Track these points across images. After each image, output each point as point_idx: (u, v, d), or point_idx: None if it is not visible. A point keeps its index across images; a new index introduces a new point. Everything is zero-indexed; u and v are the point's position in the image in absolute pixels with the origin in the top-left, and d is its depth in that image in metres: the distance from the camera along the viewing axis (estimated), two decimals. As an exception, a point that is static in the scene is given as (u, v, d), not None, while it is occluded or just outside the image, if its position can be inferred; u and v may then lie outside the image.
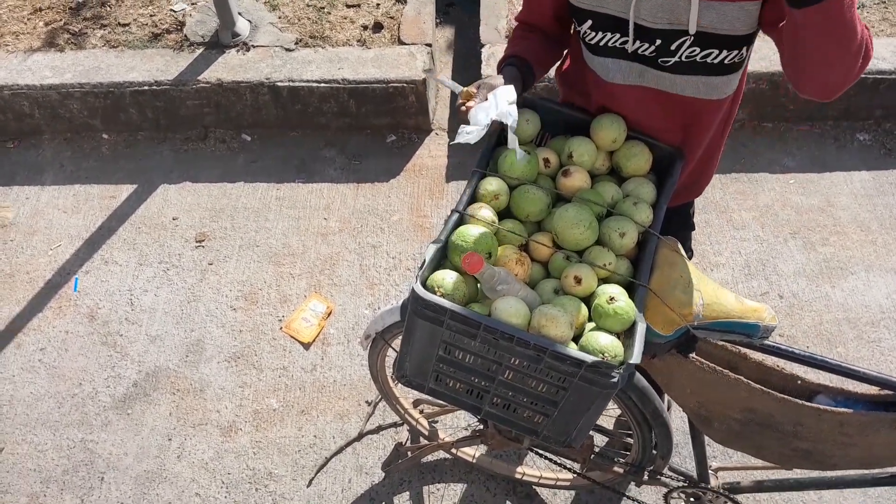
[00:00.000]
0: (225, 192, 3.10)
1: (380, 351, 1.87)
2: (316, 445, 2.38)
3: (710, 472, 1.86)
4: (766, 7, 1.29)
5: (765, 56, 3.01)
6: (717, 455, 2.27)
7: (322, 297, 2.72)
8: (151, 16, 3.44)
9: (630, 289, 1.35)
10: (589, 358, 1.18)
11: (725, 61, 1.37)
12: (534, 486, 2.25)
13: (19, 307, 2.76)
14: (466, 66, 3.53)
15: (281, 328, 2.65)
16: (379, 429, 2.19)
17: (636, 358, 1.20)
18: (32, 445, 2.42)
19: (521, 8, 1.58)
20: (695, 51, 1.35)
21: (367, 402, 2.46)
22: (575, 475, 2.05)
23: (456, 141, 1.30)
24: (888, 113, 3.17)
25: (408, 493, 2.26)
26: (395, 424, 2.18)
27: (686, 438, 2.18)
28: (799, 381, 1.60)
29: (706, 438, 1.78)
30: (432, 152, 3.22)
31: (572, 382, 1.23)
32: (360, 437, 2.18)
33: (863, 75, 1.28)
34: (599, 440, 2.17)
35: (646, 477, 1.89)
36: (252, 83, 3.14)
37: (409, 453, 2.18)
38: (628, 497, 2.00)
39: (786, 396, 1.51)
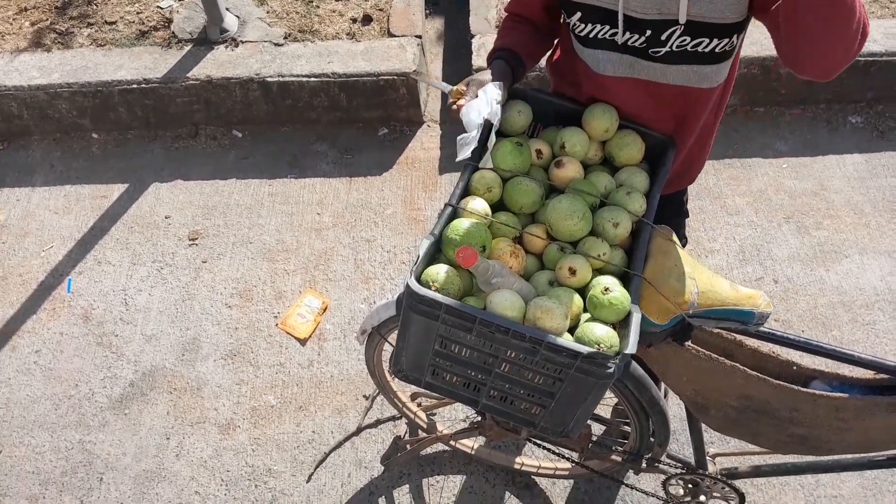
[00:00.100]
0: (217, 189, 3.09)
1: (376, 346, 1.87)
2: (314, 441, 2.38)
3: (707, 458, 1.87)
4: (757, -8, 1.28)
5: (756, 41, 3.00)
6: (715, 441, 2.28)
7: (317, 293, 2.72)
8: (138, 13, 3.41)
9: (625, 279, 1.35)
10: (585, 349, 1.18)
11: (716, 50, 1.36)
12: (532, 476, 2.26)
13: (13, 309, 2.74)
14: (457, 57, 3.52)
15: (277, 325, 2.65)
16: (377, 423, 2.19)
17: (632, 348, 1.20)
18: (30, 448, 2.41)
19: None
20: (685, 40, 1.34)
21: (364, 396, 2.46)
22: (573, 464, 2.06)
23: (459, 158, 1.31)
24: (880, 95, 3.17)
25: (407, 485, 2.27)
26: (393, 418, 2.19)
27: (683, 425, 2.19)
28: (795, 367, 1.60)
29: (703, 425, 1.79)
30: (425, 144, 3.21)
31: (569, 374, 1.23)
32: (359, 431, 2.19)
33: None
34: (597, 429, 2.18)
35: (644, 465, 1.90)
36: (241, 79, 3.12)
37: (407, 446, 2.18)
38: (627, 485, 2.00)
39: (782, 383, 1.52)
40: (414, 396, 2.17)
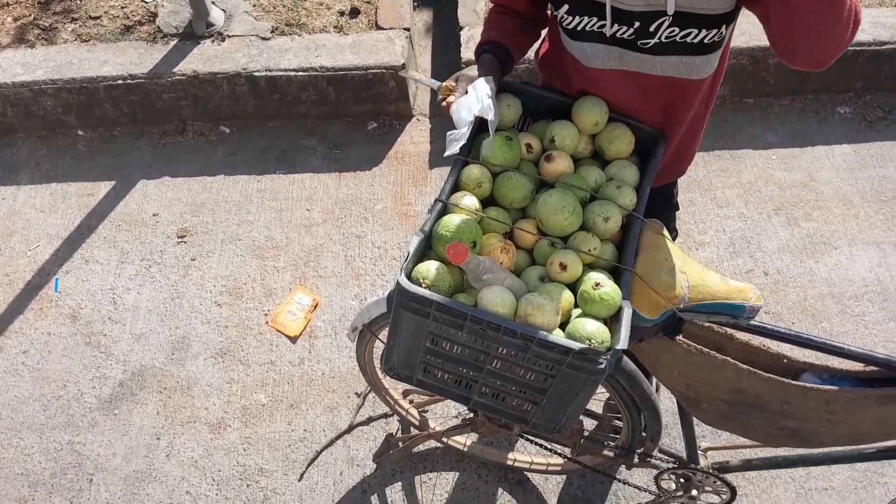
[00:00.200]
0: (205, 185, 3.06)
1: (367, 343, 1.86)
2: (306, 439, 2.37)
3: (699, 452, 1.87)
4: (746, -18, 1.27)
5: (745, 31, 3.00)
6: (707, 435, 2.28)
7: (307, 290, 2.70)
8: (122, 7, 3.37)
9: (615, 273, 1.34)
10: (576, 345, 1.18)
11: (705, 40, 1.35)
12: (525, 472, 2.26)
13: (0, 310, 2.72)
14: (445, 50, 3.50)
15: (267, 322, 2.63)
16: (369, 420, 2.18)
17: (623, 343, 1.19)
18: (19, 449, 2.39)
19: None
20: (674, 31, 1.33)
21: (356, 393, 2.45)
22: (566, 460, 2.06)
23: (447, 153, 1.29)
24: (868, 85, 3.17)
25: (400, 483, 2.26)
26: (385, 415, 2.18)
27: (675, 420, 2.19)
28: (785, 360, 1.61)
29: (695, 419, 1.79)
30: (414, 139, 3.19)
31: (560, 370, 1.23)
32: (351, 429, 2.18)
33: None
34: (589, 424, 2.18)
35: (636, 459, 1.90)
36: (229, 74, 3.09)
37: (400, 444, 2.18)
38: (619, 480, 2.00)
39: (772, 376, 1.52)
40: (406, 393, 2.16)
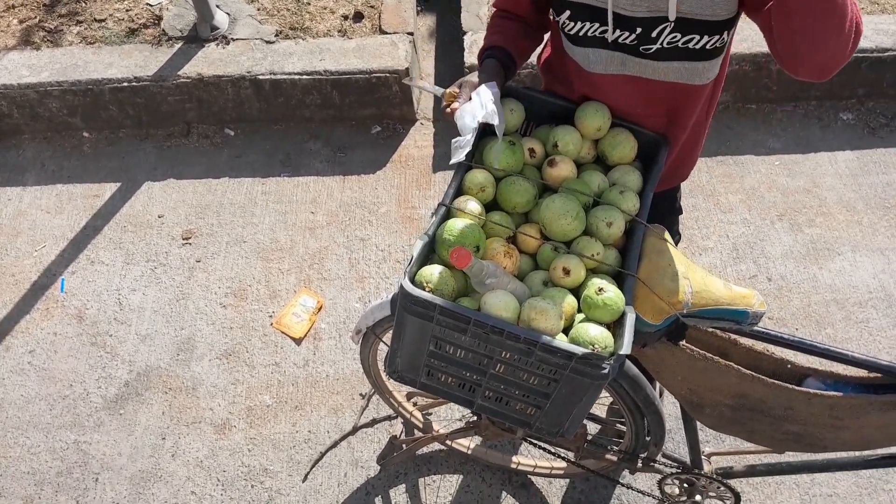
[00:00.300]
0: (210, 188, 3.07)
1: (371, 346, 1.87)
2: (310, 440, 2.37)
3: (703, 457, 1.88)
4: (747, -9, 1.28)
5: (747, 37, 3.00)
6: (710, 440, 2.28)
7: (312, 292, 2.71)
8: (127, 10, 3.39)
9: (619, 278, 1.35)
10: (579, 350, 1.18)
11: (707, 46, 1.36)
12: (529, 476, 2.26)
13: (6, 310, 2.73)
14: (449, 54, 3.51)
15: (272, 324, 2.64)
16: (373, 422, 2.19)
17: (626, 348, 1.20)
18: (25, 448, 2.40)
19: None
20: (676, 37, 1.34)
21: (360, 394, 2.45)
22: (569, 464, 2.06)
23: (453, 160, 1.30)
24: (871, 91, 3.18)
25: (404, 485, 2.27)
26: (389, 417, 2.18)
27: (679, 424, 2.19)
28: (789, 366, 1.61)
29: (698, 424, 1.79)
30: (418, 142, 3.20)
31: (563, 374, 1.23)
32: (355, 430, 2.18)
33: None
34: (593, 428, 2.18)
35: (639, 464, 1.91)
36: (233, 77, 3.11)
37: (403, 446, 2.18)
38: (623, 484, 2.00)
39: (776, 381, 1.52)
40: (410, 396, 2.16)
